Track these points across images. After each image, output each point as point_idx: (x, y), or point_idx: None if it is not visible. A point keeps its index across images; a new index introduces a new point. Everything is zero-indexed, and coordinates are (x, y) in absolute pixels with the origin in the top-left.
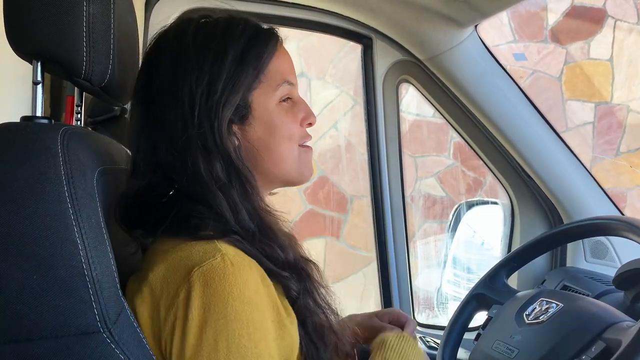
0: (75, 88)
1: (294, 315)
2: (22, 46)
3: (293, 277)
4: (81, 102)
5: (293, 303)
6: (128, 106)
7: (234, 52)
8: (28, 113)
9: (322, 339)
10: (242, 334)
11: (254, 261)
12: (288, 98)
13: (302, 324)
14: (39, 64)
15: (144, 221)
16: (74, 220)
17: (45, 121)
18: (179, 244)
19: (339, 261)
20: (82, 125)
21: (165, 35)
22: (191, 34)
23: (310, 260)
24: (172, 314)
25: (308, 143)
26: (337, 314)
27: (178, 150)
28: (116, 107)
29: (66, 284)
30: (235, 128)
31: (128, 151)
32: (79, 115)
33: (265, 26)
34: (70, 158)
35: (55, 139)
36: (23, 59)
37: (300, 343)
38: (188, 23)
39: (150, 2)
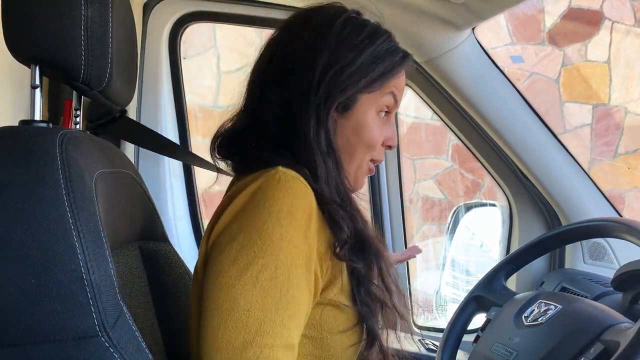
0: (74, 92)
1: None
2: (20, 50)
3: (359, 248)
4: (79, 105)
5: (338, 249)
6: (127, 108)
7: (371, 53)
8: (26, 117)
9: (373, 310)
10: (256, 241)
11: (308, 191)
12: (387, 112)
13: (357, 289)
14: (37, 67)
15: (234, 157)
16: (72, 224)
17: (44, 125)
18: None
19: None
20: (81, 128)
21: (317, 12)
22: (342, 21)
23: (382, 241)
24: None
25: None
26: (402, 295)
27: (294, 110)
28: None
29: (64, 288)
30: (333, 113)
31: (127, 154)
32: (77, 119)
33: (402, 49)
34: (68, 162)
35: (54, 142)
36: (21, 62)
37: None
38: (340, 11)
39: (148, 5)
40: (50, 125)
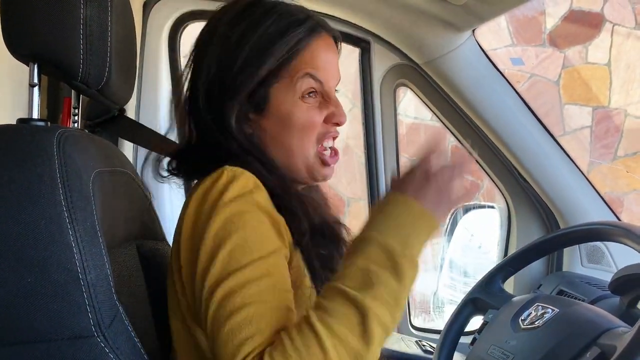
0: (72, 90)
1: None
2: (19, 48)
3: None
4: (78, 104)
5: (298, 242)
6: (126, 107)
7: (258, 39)
8: (25, 115)
9: None
10: (236, 241)
11: (258, 181)
12: (313, 92)
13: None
14: (35, 66)
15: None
16: (69, 224)
17: (42, 123)
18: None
19: None
20: (79, 127)
21: (228, 3)
22: (238, 9)
23: (342, 223)
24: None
25: (335, 145)
26: None
27: (203, 123)
28: (113, 109)
29: (60, 287)
30: (251, 116)
31: (125, 153)
32: (75, 117)
33: (310, 19)
34: (66, 161)
35: (52, 141)
36: (20, 61)
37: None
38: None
39: (147, 4)
40: (48, 123)
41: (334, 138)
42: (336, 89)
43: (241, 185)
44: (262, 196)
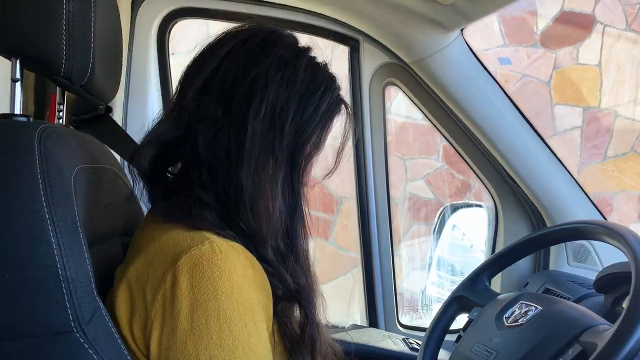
0: (57, 86)
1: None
2: (0, 43)
3: (295, 296)
4: (63, 100)
5: (275, 304)
6: (114, 105)
7: (327, 104)
8: (8, 111)
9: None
10: (233, 315)
11: (243, 247)
12: None
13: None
14: (17, 61)
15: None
16: (48, 219)
17: (24, 119)
18: (167, 231)
19: (328, 262)
20: (64, 123)
21: (278, 38)
22: (306, 62)
23: (320, 294)
24: (160, 298)
25: None
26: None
27: (245, 161)
28: (100, 106)
29: (39, 283)
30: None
31: (111, 150)
32: (60, 114)
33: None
34: (47, 157)
35: (32, 137)
36: (2, 56)
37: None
38: (297, 44)
39: (136, 1)
40: (31, 119)
41: None
42: None
43: (235, 265)
44: (253, 270)
